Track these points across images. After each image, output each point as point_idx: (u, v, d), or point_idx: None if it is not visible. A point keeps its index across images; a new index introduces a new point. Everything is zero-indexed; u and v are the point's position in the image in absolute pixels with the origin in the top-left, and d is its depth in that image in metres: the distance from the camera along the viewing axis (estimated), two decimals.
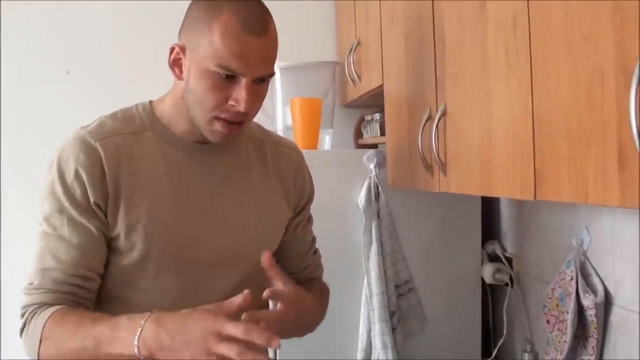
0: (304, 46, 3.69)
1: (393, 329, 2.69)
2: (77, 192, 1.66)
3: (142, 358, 1.50)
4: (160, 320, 1.51)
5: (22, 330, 1.69)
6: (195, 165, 1.77)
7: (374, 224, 2.70)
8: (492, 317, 3.00)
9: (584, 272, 2.18)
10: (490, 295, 2.98)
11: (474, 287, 2.92)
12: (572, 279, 2.18)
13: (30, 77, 3.57)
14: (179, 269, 1.70)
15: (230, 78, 1.63)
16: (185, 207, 1.74)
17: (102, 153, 1.68)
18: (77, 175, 1.66)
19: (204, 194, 1.77)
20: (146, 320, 1.51)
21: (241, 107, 1.63)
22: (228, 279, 1.79)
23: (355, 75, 3.15)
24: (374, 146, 3.20)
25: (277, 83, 3.28)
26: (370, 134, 3.29)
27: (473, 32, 1.82)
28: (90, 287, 1.71)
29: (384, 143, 2.92)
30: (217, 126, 1.68)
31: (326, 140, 3.21)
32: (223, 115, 1.66)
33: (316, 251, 2.10)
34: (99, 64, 3.60)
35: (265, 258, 1.68)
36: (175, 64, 1.72)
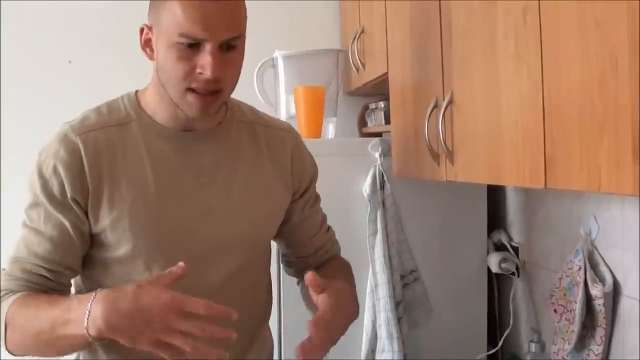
0: (307, 34, 3.69)
1: (398, 319, 2.68)
2: (55, 187, 1.66)
3: (91, 339, 1.50)
4: (109, 301, 1.49)
5: None
6: (181, 155, 1.75)
7: (379, 213, 2.69)
8: (498, 307, 2.98)
9: (592, 262, 2.16)
10: (496, 284, 2.96)
11: (479, 277, 2.91)
12: (580, 269, 2.16)
13: (32, 67, 3.56)
14: (168, 261, 1.63)
15: (195, 47, 1.60)
16: (170, 198, 1.72)
17: (82, 148, 1.67)
18: (55, 170, 1.66)
19: (190, 183, 1.74)
20: (91, 301, 1.50)
21: (207, 73, 1.60)
22: (222, 268, 1.77)
23: (360, 63, 3.13)
24: (378, 135, 3.19)
25: (280, 71, 3.26)
26: (375, 123, 3.28)
27: (481, 20, 1.80)
28: (60, 280, 1.71)
29: (388, 131, 2.90)
30: (190, 98, 1.65)
31: (330, 129, 3.20)
32: (194, 86, 1.63)
33: (329, 228, 2.05)
34: (101, 53, 3.59)
35: (309, 278, 1.64)
36: (147, 45, 1.71)
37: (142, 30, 1.71)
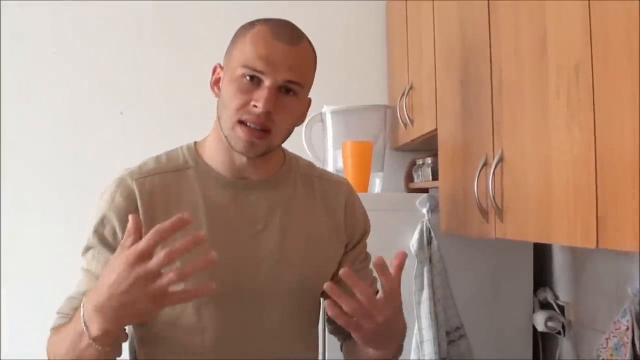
0: (355, 90, 3.72)
1: None
2: (107, 229, 1.70)
3: (92, 340, 1.49)
4: (93, 292, 1.49)
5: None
6: (236, 202, 1.77)
7: (425, 269, 2.69)
8: None
9: None
10: (542, 343, 2.94)
11: (525, 335, 2.89)
12: (627, 329, 2.14)
13: (85, 118, 3.63)
14: (218, 305, 1.67)
15: (256, 83, 1.67)
16: (224, 243, 1.70)
17: (137, 192, 1.71)
18: (109, 214, 1.70)
19: (244, 230, 1.75)
20: (83, 304, 1.51)
21: (260, 105, 1.64)
22: (274, 314, 1.76)
23: (408, 119, 3.14)
24: (425, 190, 3.20)
25: (328, 126, 3.30)
26: (422, 178, 3.28)
27: (532, 78, 1.81)
28: None
29: (435, 187, 2.91)
30: (239, 132, 1.68)
31: (377, 184, 3.22)
32: (245, 118, 1.67)
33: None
34: (153, 103, 3.65)
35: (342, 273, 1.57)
36: (215, 84, 1.79)
37: (215, 69, 1.80)
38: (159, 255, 1.38)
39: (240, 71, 1.67)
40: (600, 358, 2.28)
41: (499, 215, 2.00)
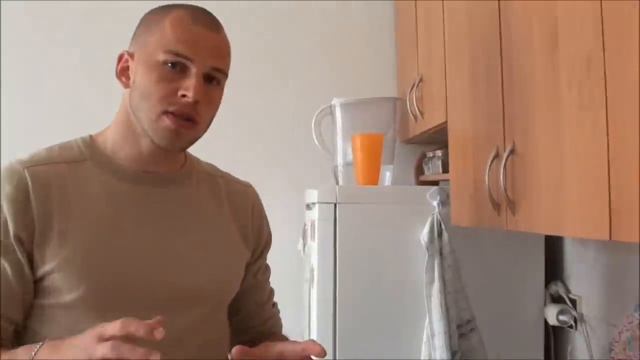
0: (365, 82, 3.72)
1: None
2: None
3: None
4: (56, 343, 1.43)
5: None
6: (140, 197, 1.66)
7: (436, 262, 2.68)
8: None
9: None
10: (554, 337, 2.92)
11: (536, 329, 2.88)
12: None
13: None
14: (124, 310, 1.39)
15: (179, 70, 1.57)
16: (127, 239, 1.60)
17: (29, 181, 1.55)
18: None
19: (149, 226, 1.64)
20: (42, 344, 1.44)
21: (190, 93, 1.55)
22: (183, 320, 1.61)
23: (418, 112, 3.13)
24: (435, 183, 3.19)
25: (338, 119, 3.28)
26: (432, 171, 3.27)
27: (544, 69, 1.79)
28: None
29: (445, 180, 2.90)
30: (166, 122, 1.57)
31: (387, 177, 3.20)
32: (172, 109, 1.56)
33: (275, 304, 1.99)
34: None
35: (235, 352, 1.57)
36: (123, 73, 1.66)
37: (120, 57, 1.66)
38: (107, 345, 1.31)
39: (161, 57, 1.56)
40: (613, 352, 2.27)
41: (511, 207, 1.99)
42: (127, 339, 1.31)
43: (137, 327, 1.30)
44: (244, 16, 3.66)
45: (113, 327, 1.32)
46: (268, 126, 3.77)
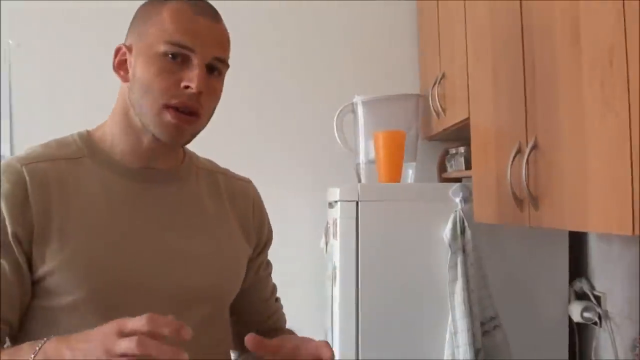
0: (387, 79, 3.72)
1: None
2: None
3: None
4: (64, 337, 1.36)
5: None
6: (140, 194, 1.62)
7: (459, 260, 2.67)
8: (580, 357, 2.92)
9: None
10: (578, 334, 2.91)
11: (560, 326, 2.87)
12: None
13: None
14: (127, 310, 1.34)
15: (180, 61, 1.53)
16: (129, 240, 1.56)
17: (27, 178, 1.51)
18: None
19: (151, 224, 1.61)
20: (47, 339, 1.36)
21: (194, 84, 1.51)
22: (186, 319, 1.41)
23: (440, 108, 3.12)
24: (458, 180, 3.17)
25: (360, 116, 3.28)
26: (455, 168, 3.26)
27: (566, 64, 1.78)
28: None
29: (468, 177, 2.89)
30: (168, 116, 1.53)
31: (409, 174, 3.20)
32: (173, 102, 1.53)
33: (278, 299, 1.96)
34: None
35: (249, 340, 1.49)
36: (121, 67, 1.61)
37: (118, 50, 1.62)
38: (133, 340, 1.24)
39: (162, 48, 1.53)
40: (638, 349, 2.26)
41: (534, 204, 1.98)
42: (152, 336, 1.25)
43: (166, 324, 1.26)
44: (267, 15, 3.66)
45: (136, 322, 1.26)
46: (290, 125, 3.76)
